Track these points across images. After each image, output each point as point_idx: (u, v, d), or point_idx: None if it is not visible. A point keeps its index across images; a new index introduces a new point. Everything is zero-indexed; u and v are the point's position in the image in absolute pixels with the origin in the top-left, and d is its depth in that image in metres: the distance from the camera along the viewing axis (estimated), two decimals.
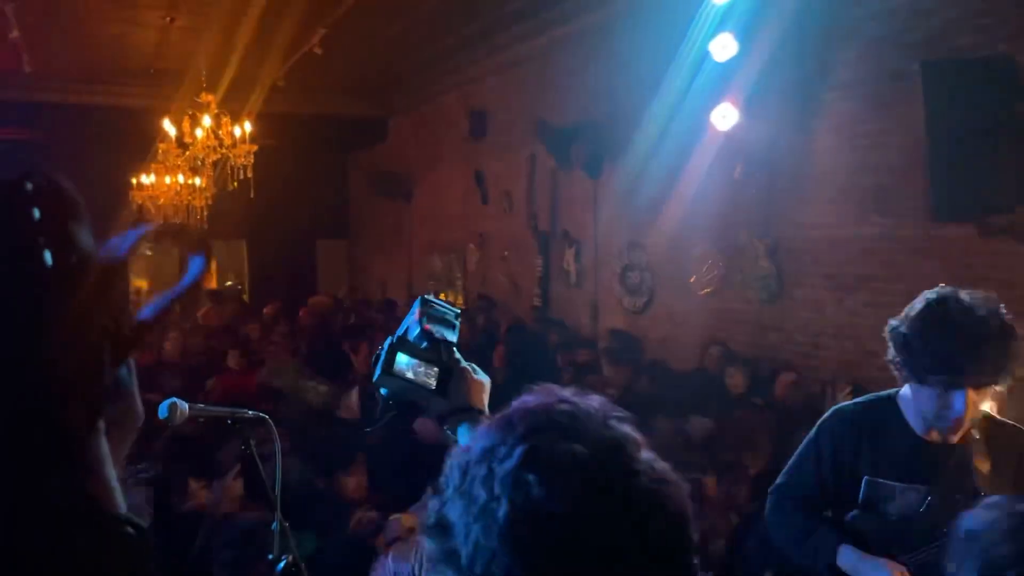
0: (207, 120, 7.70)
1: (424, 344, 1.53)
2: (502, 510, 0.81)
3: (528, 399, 0.92)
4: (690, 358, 6.23)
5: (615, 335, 6.98)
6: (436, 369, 1.50)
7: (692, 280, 6.46)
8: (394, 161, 12.19)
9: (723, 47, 5.28)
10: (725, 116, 5.51)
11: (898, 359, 2.05)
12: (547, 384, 0.95)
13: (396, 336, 1.53)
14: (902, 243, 4.86)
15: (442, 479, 0.92)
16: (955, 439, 2.10)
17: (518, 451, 0.84)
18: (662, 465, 0.87)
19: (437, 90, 10.63)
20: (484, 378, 1.55)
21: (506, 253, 9.22)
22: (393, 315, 9.58)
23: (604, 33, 7.18)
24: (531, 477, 0.81)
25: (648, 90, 6.01)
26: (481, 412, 1.49)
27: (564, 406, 0.89)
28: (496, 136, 9.35)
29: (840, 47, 5.16)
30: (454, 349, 1.54)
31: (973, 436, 2.09)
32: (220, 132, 7.81)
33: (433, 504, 0.91)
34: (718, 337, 6.05)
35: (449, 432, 1.50)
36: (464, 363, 1.53)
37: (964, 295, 2.00)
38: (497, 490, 0.83)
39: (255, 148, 7.81)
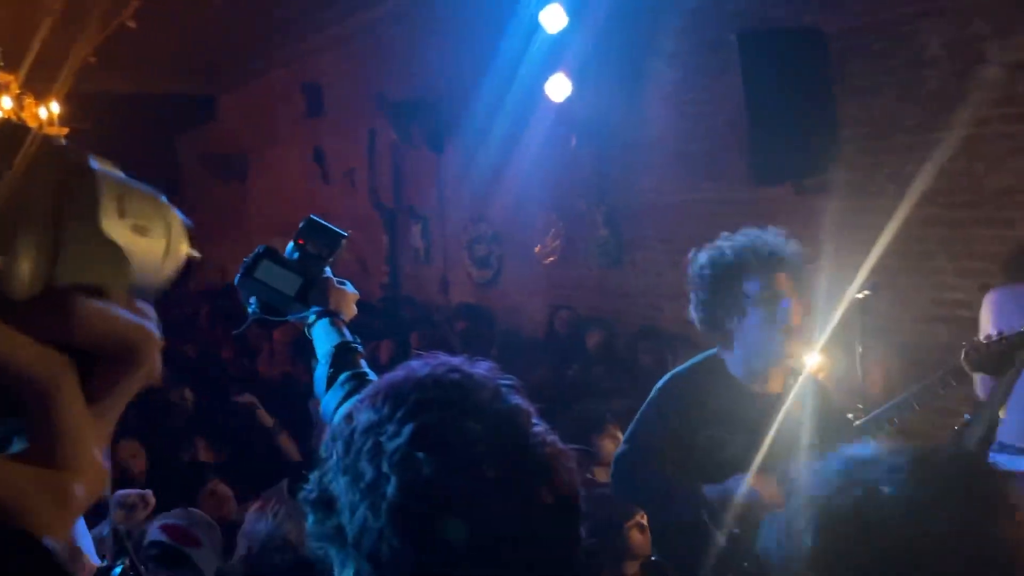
0: (7, 101, 7.02)
1: (296, 256, 1.60)
2: (391, 488, 0.78)
3: (416, 366, 0.87)
4: (539, 327, 6.36)
5: (466, 309, 7.02)
6: (301, 279, 1.56)
7: (537, 250, 6.58)
8: (226, 141, 11.63)
9: (553, 18, 5.36)
10: (559, 87, 5.61)
11: (724, 305, 2.27)
12: (435, 351, 0.91)
13: (266, 246, 1.59)
14: (730, 206, 5.14)
15: (323, 450, 0.86)
16: (776, 387, 2.32)
17: (408, 429, 0.79)
18: (553, 437, 0.84)
19: (268, 65, 10.21)
20: (352, 291, 1.62)
21: (351, 232, 9.04)
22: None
23: (438, 5, 7.12)
24: (421, 456, 0.78)
25: (484, 62, 6.02)
26: (337, 314, 1.53)
27: (454, 375, 0.84)
28: (334, 112, 9.11)
29: (665, 17, 5.35)
30: (325, 266, 1.61)
31: (789, 386, 2.31)
32: (23, 114, 7.14)
33: (314, 476, 0.85)
34: (564, 303, 6.22)
35: (308, 334, 1.56)
36: (331, 275, 1.59)
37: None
38: (385, 468, 0.78)
39: (66, 131, 7.21)
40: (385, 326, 6.86)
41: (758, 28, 4.62)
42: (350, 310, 1.60)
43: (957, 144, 4.10)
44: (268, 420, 4.48)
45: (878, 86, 4.41)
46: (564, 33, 5.41)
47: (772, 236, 2.25)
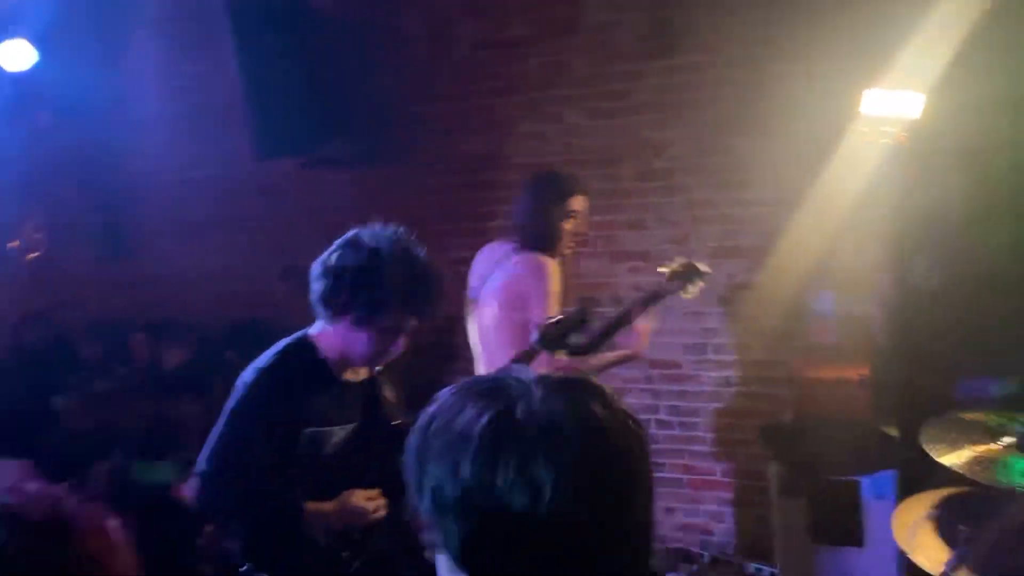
0: None
1: None
2: None
3: None
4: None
5: None
6: None
7: (15, 245, 5.62)
8: None
9: None
10: (18, 55, 4.78)
11: (337, 303, 2.06)
12: None
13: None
14: (235, 182, 4.99)
15: None
16: (364, 374, 2.25)
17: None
18: None
19: None
20: None
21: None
22: None
23: None
24: None
25: None
26: None
27: None
28: None
29: None
30: None
31: (377, 372, 2.28)
32: None
33: None
34: (59, 304, 5.41)
35: None
36: None
37: (377, 234, 2.06)
38: None
39: None
40: None
41: None
42: None
43: (444, 116, 4.52)
44: None
45: (367, 59, 4.62)
46: None
47: (422, 265, 2.10)
